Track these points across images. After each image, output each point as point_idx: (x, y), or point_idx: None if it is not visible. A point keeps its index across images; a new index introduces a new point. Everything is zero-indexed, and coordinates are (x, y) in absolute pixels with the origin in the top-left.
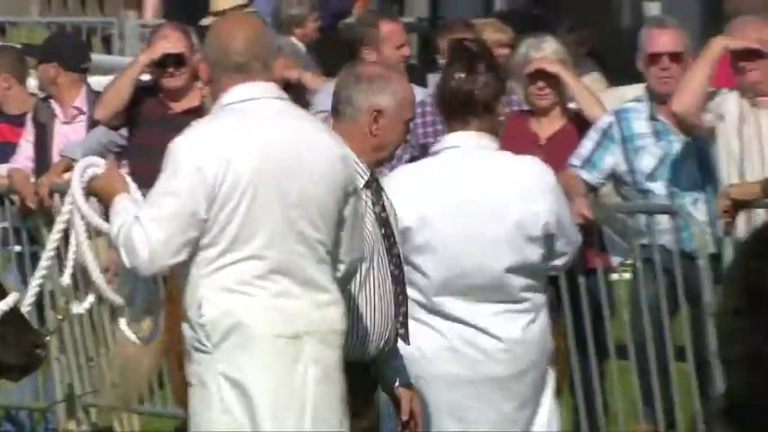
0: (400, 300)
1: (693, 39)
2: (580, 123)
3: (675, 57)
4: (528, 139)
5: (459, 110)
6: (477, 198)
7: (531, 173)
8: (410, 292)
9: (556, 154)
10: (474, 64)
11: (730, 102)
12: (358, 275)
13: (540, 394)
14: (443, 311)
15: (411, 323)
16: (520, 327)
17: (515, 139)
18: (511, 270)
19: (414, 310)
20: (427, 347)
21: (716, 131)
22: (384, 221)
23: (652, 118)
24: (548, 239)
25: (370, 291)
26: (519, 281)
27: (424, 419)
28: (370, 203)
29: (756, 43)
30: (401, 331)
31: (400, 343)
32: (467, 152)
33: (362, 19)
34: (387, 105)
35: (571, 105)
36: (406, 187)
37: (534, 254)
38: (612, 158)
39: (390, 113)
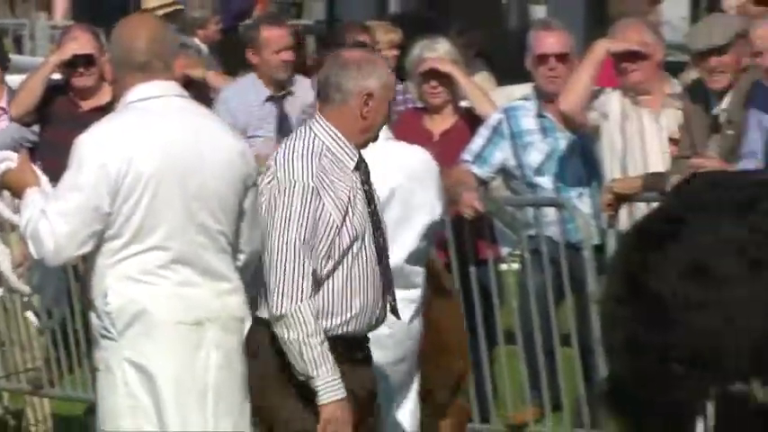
0: (388, 274)
1: (578, 41)
2: (471, 120)
3: (561, 57)
4: (421, 135)
5: None
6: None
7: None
8: None
9: (448, 149)
10: None
11: (613, 101)
12: (350, 253)
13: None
14: None
15: None
16: (408, 315)
17: (410, 135)
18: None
19: None
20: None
21: (600, 129)
22: (371, 199)
23: (539, 115)
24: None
25: (362, 267)
26: (414, 269)
27: None
28: (359, 183)
29: (637, 45)
30: (393, 304)
31: None
32: None
33: (252, 23)
34: (375, 88)
35: (463, 103)
36: None
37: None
38: (502, 154)
39: (378, 95)
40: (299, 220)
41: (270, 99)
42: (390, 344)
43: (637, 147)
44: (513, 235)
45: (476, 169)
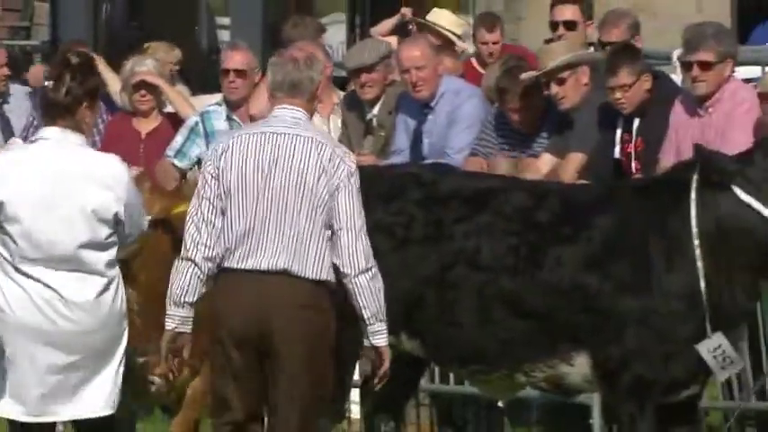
0: None
1: (258, 60)
2: (174, 122)
3: (241, 73)
4: (131, 135)
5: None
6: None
7: (107, 167)
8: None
9: (154, 147)
10: (62, 73)
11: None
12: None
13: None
14: (25, 272)
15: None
16: (94, 292)
17: (121, 135)
18: (83, 246)
19: (5, 266)
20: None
21: None
22: None
23: (228, 118)
24: (117, 223)
25: None
26: (92, 255)
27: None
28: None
29: None
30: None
31: None
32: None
33: None
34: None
35: (168, 109)
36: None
37: (104, 233)
38: (198, 149)
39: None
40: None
41: None
42: (77, 318)
43: None
44: None
45: (177, 162)
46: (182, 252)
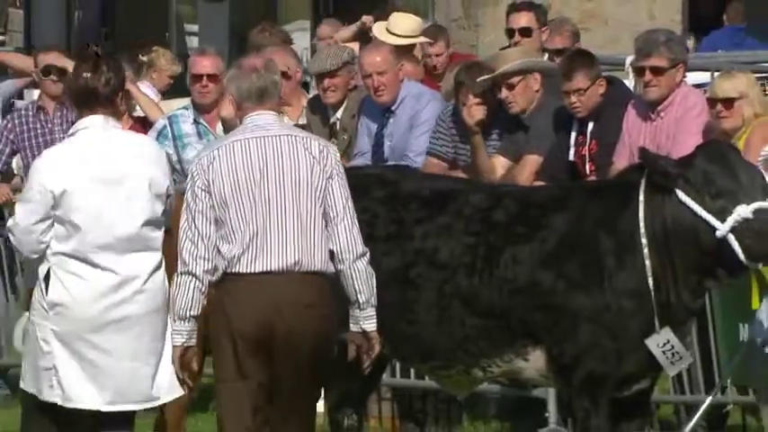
0: None
1: (225, 65)
2: (144, 125)
3: (212, 77)
4: None
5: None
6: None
7: (151, 146)
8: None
9: None
10: (99, 64)
11: None
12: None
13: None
14: (91, 261)
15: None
16: (151, 270)
17: None
18: (145, 224)
19: (66, 261)
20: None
21: None
22: None
23: (196, 122)
24: (167, 197)
25: None
26: (152, 233)
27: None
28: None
29: (283, 67)
30: None
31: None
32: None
33: None
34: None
35: (138, 112)
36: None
37: (159, 209)
38: (167, 151)
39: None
40: None
41: None
42: (141, 299)
43: None
44: None
45: None
46: (179, 267)
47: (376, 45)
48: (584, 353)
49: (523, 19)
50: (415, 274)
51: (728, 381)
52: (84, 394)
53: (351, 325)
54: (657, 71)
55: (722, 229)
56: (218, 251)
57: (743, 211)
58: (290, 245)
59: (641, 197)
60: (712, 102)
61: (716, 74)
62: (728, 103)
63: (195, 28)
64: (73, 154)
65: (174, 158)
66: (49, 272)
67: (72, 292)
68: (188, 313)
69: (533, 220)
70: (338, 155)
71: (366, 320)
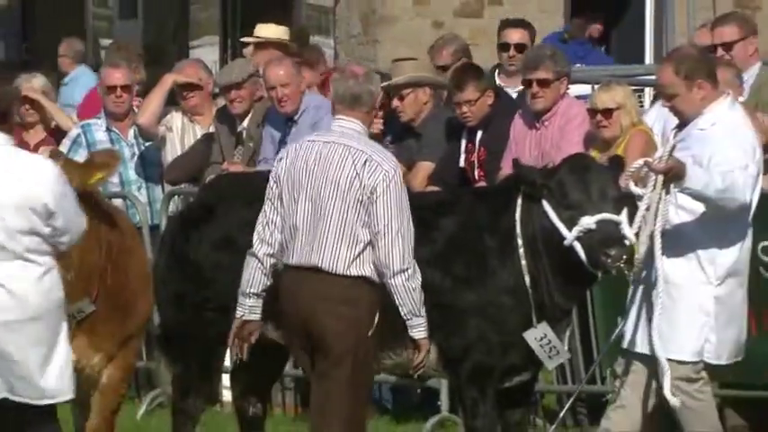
0: None
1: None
2: (58, 135)
3: (126, 88)
4: (21, 146)
5: None
6: None
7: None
8: None
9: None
10: None
11: (176, 118)
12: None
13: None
14: None
15: None
16: (33, 279)
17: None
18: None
19: None
20: None
21: (165, 139)
22: None
23: (108, 130)
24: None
25: None
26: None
27: None
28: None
29: (195, 79)
30: None
31: None
32: None
33: None
34: (380, 91)
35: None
36: None
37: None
38: (80, 158)
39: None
40: None
41: None
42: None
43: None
44: None
45: None
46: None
47: (280, 59)
48: (470, 346)
49: (517, 35)
50: None
51: (608, 371)
52: None
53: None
54: (543, 83)
55: (569, 237)
56: (280, 240)
57: (586, 221)
58: (315, 246)
59: (519, 202)
60: (593, 112)
61: (596, 86)
62: (608, 113)
63: (109, 42)
64: None
65: None
66: None
67: None
68: (248, 290)
69: (425, 222)
70: (392, 171)
71: (413, 329)
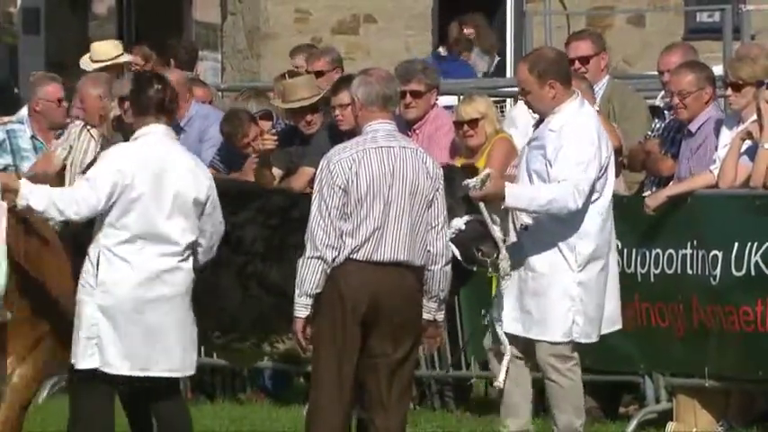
0: None
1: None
2: None
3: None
4: None
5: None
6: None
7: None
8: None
9: None
10: None
11: (75, 127)
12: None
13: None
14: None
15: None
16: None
17: None
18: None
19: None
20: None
21: (70, 154)
22: None
23: (33, 137)
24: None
25: None
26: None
27: None
28: None
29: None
30: None
31: None
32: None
33: None
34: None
35: None
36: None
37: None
38: (4, 161)
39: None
40: None
41: None
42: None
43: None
44: None
45: None
46: (308, 251)
47: (171, 73)
48: None
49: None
50: (219, 256)
51: (472, 358)
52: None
53: (424, 314)
54: (416, 94)
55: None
56: (342, 241)
57: (456, 223)
58: (401, 243)
59: None
60: (459, 124)
61: (461, 97)
62: (473, 123)
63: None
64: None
65: (12, 169)
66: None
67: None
68: (314, 291)
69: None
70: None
71: (439, 312)
